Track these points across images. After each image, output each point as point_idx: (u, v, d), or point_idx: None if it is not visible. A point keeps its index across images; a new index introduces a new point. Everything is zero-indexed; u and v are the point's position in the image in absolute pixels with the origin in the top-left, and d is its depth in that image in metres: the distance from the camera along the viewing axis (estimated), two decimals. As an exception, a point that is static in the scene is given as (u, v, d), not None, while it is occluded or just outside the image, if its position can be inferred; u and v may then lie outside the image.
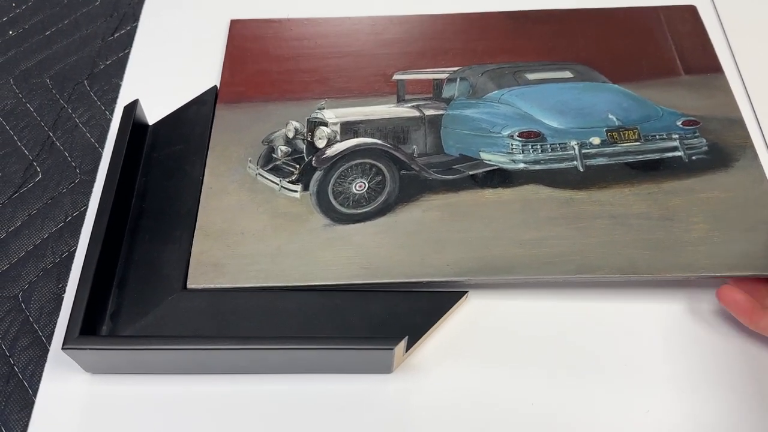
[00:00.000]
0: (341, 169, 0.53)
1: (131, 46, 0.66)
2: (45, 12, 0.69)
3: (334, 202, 0.52)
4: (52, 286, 0.51)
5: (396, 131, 0.56)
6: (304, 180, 0.53)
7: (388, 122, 0.56)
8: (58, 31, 0.67)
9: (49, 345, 0.48)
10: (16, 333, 0.49)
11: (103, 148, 0.59)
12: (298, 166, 0.54)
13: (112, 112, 0.61)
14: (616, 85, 0.58)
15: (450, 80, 0.59)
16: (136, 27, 0.68)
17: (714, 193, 0.50)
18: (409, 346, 0.45)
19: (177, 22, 0.68)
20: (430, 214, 0.51)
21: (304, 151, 0.55)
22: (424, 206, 0.51)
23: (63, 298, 0.50)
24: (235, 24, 0.64)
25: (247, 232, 0.51)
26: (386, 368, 0.46)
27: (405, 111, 0.57)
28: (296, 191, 0.53)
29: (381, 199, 0.52)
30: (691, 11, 0.63)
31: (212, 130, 0.56)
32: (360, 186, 0.53)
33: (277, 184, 0.53)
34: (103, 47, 0.66)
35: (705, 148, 0.53)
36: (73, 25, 0.68)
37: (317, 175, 0.53)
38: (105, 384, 0.46)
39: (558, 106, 0.56)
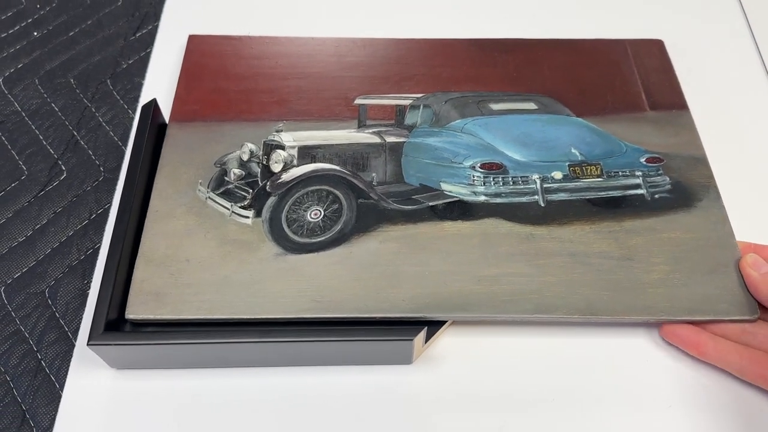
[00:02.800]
0: (297, 195, 0.51)
1: (153, 45, 0.66)
2: (68, 13, 0.69)
3: (287, 230, 0.50)
4: (77, 282, 0.52)
5: (355, 157, 0.54)
6: (256, 205, 0.51)
7: (347, 148, 0.54)
8: (82, 32, 0.68)
9: (75, 340, 0.49)
10: (43, 328, 0.50)
11: (126, 146, 0.59)
12: (251, 190, 0.52)
13: (134, 111, 0.62)
14: (580, 119, 0.57)
15: (413, 107, 0.57)
16: (157, 26, 0.68)
17: (676, 233, 0.49)
18: (428, 338, 0.45)
19: (197, 22, 0.67)
20: (387, 246, 0.49)
21: (259, 175, 0.53)
22: (381, 237, 0.49)
23: (88, 294, 0.51)
24: (192, 39, 0.62)
25: (193, 259, 0.48)
26: (406, 359, 0.46)
27: (366, 137, 0.55)
28: (248, 217, 0.50)
29: (337, 228, 0.50)
30: (659, 45, 0.63)
31: (162, 149, 0.54)
32: (315, 214, 0.51)
33: (228, 209, 0.51)
34: (125, 47, 0.67)
35: (668, 187, 0.52)
36: (95, 25, 0.69)
37: (271, 200, 0.51)
38: (129, 379, 0.46)
39: (521, 138, 0.55)
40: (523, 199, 0.51)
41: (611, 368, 0.46)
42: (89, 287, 0.51)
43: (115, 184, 0.57)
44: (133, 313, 0.45)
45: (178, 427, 0.44)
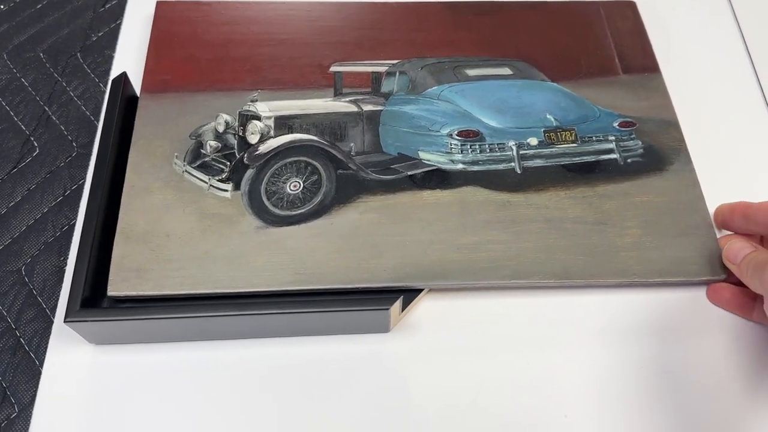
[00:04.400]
0: (275, 167, 0.51)
1: (122, 17, 0.64)
2: (34, -15, 0.67)
3: (267, 202, 0.50)
4: (53, 259, 0.52)
5: (333, 127, 0.54)
6: (234, 178, 0.50)
7: (324, 117, 0.54)
8: (50, 5, 0.66)
9: (54, 317, 0.49)
10: (21, 306, 0.50)
11: (98, 121, 0.58)
12: (228, 163, 0.51)
13: (106, 84, 0.60)
14: (554, 84, 0.57)
15: (389, 74, 0.57)
16: (125, -3, 0.66)
17: (648, 197, 0.51)
18: (405, 306, 0.46)
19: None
20: (367, 217, 0.49)
21: (235, 147, 0.53)
22: (361, 208, 0.50)
23: (65, 270, 0.51)
24: (161, 6, 0.60)
25: (173, 234, 0.48)
26: (384, 328, 0.47)
27: (342, 106, 0.55)
28: (226, 190, 0.50)
29: (317, 200, 0.50)
30: (631, 7, 0.63)
31: (135, 123, 0.53)
32: (295, 186, 0.51)
33: (206, 183, 0.50)
34: (94, 19, 0.65)
35: (640, 151, 0.53)
36: (63, -3, 0.66)
37: (249, 173, 0.50)
38: (109, 354, 0.47)
39: (497, 104, 0.55)
40: (500, 167, 0.52)
41: (585, 328, 0.47)
42: (66, 264, 0.51)
43: (89, 160, 0.56)
44: (115, 290, 0.45)
45: (159, 400, 0.45)
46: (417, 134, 0.54)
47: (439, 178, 0.51)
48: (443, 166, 0.52)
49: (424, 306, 0.48)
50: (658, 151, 0.53)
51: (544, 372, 0.46)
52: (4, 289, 0.50)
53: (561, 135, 0.54)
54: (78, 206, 0.53)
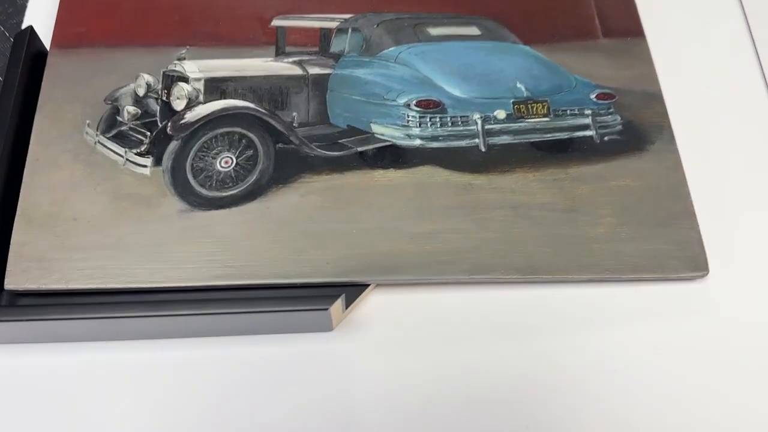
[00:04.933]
0: (204, 139, 0.44)
1: None
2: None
3: (192, 181, 0.43)
4: None
5: (273, 93, 0.47)
6: (156, 152, 0.44)
7: (264, 81, 0.47)
8: None
9: None
10: None
11: None
12: (149, 133, 0.44)
13: None
14: (527, 47, 0.51)
15: (340, 31, 0.50)
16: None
17: (625, 181, 0.45)
18: (349, 303, 0.41)
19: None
20: (309, 200, 0.43)
21: (158, 114, 0.46)
22: (302, 189, 0.43)
23: None
24: (74, -58, 0.51)
25: (81, 217, 0.41)
26: (326, 327, 0.41)
27: (285, 67, 0.48)
28: (145, 166, 0.43)
29: (251, 179, 0.44)
30: (614, -40, 0.56)
31: (42, 83, 0.45)
32: (226, 162, 0.44)
33: (122, 156, 0.43)
34: None
35: (619, 127, 0.48)
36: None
37: (173, 145, 0.44)
38: (5, 355, 0.40)
39: (462, 70, 0.49)
40: (463, 143, 0.46)
41: (551, 325, 0.43)
42: None
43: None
44: (13, 283, 0.39)
45: (66, 407, 0.39)
46: (370, 103, 0.47)
47: (393, 156, 0.45)
48: (398, 142, 0.46)
49: (372, 301, 0.43)
50: (639, 128, 0.48)
51: (503, 373, 0.41)
52: None
53: (532, 107, 0.47)
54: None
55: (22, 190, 0.42)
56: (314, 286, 0.41)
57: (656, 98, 0.49)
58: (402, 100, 0.47)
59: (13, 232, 0.40)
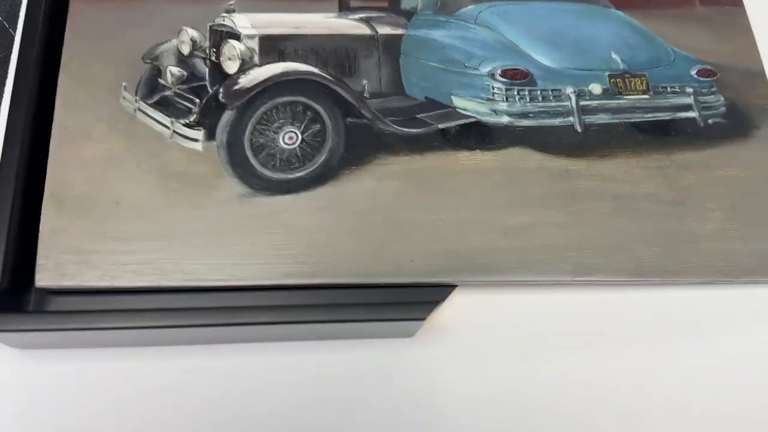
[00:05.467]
0: (262, 109, 0.38)
1: None
2: None
3: (253, 160, 0.37)
4: None
5: (339, 56, 0.40)
6: (207, 123, 0.37)
7: (327, 41, 0.40)
8: None
9: None
10: None
11: (15, 29, 0.41)
12: (198, 100, 0.38)
13: None
14: (619, 12, 0.45)
15: (411, -16, 0.43)
16: None
17: (732, 170, 0.41)
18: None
19: None
20: (387, 185, 0.37)
21: (207, 77, 0.39)
22: (378, 173, 0.38)
23: None
24: None
25: (124, 201, 0.35)
26: (407, 332, 0.36)
27: (351, 25, 0.41)
28: (197, 140, 0.37)
29: (320, 159, 0.38)
30: None
31: (66, 36, 0.38)
32: (290, 138, 0.38)
33: (168, 128, 0.37)
34: None
35: (722, 109, 0.43)
36: None
37: (228, 116, 0.37)
38: (38, 362, 0.35)
39: (550, 35, 0.43)
40: (556, 122, 0.40)
41: (658, 330, 0.38)
42: None
43: (2, 89, 0.40)
44: (46, 279, 0.33)
45: (112, 420, 0.34)
46: (449, 71, 0.41)
47: (478, 135, 0.40)
48: (484, 118, 0.40)
49: (455, 302, 0.38)
50: (743, 111, 0.43)
51: (604, 385, 0.37)
52: None
53: (629, 82, 0.42)
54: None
55: (49, 165, 0.35)
56: (395, 286, 0.36)
57: (760, 77, 0.44)
58: (485, 69, 0.41)
59: (42, 216, 0.34)
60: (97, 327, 0.31)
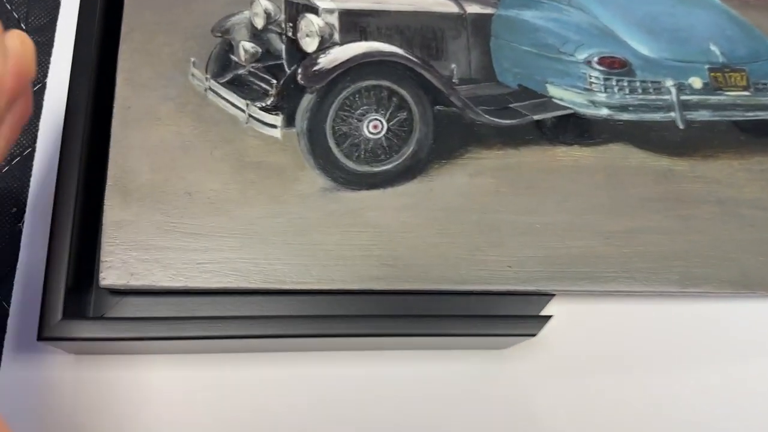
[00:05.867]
0: (344, 93, 0.34)
1: None
2: None
3: (336, 150, 0.34)
4: None
5: (426, 36, 0.37)
6: (286, 107, 0.33)
7: (413, 18, 0.37)
8: None
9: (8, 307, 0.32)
10: None
11: None
12: (274, 81, 0.34)
13: None
14: (717, 1, 0.42)
15: (499, -42, 0.39)
16: None
17: (838, 175, 0.38)
18: None
19: None
20: (480, 182, 0.34)
21: (283, 55, 0.35)
22: (470, 168, 0.34)
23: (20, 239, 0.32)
24: None
25: (198, 192, 0.31)
26: (500, 344, 0.33)
27: (437, 2, 0.37)
28: (275, 126, 0.33)
29: (407, 150, 0.34)
30: None
31: (125, 3, 0.34)
32: (375, 126, 0.34)
33: (244, 111, 0.33)
34: None
35: (826, 108, 0.40)
36: None
37: (307, 100, 0.33)
38: (94, 369, 0.31)
39: (647, 21, 0.39)
40: (656, 117, 0.37)
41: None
42: (21, 228, 0.33)
43: (48, 57, 0.36)
44: (112, 278, 0.29)
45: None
46: (543, 57, 0.38)
47: (576, 128, 0.36)
48: (581, 110, 0.37)
49: (548, 311, 0.35)
50: None
51: (709, 402, 0.34)
52: None
53: (729, 77, 0.39)
54: (36, 131, 0.34)
55: (111, 149, 0.31)
56: (489, 294, 0.33)
57: None
58: (581, 56, 0.37)
59: (105, 208, 0.30)
60: (176, 336, 0.28)
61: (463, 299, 0.33)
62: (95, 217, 0.31)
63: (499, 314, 0.32)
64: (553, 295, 0.33)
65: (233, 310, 0.31)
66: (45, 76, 0.35)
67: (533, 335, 0.30)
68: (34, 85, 0.35)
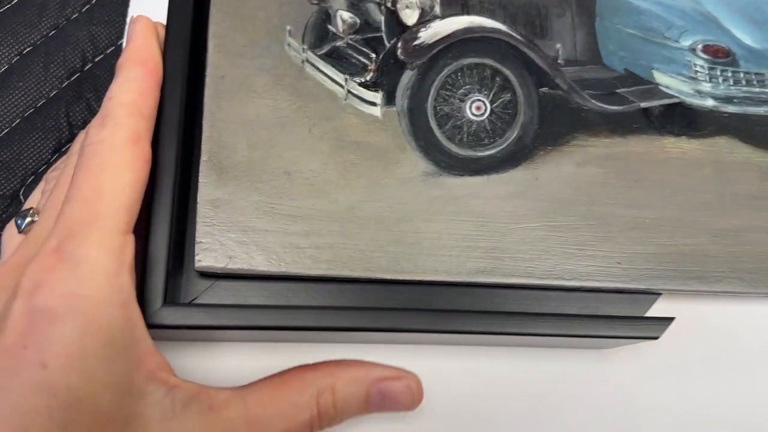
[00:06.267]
0: (446, 71, 0.32)
1: None
2: None
3: (438, 132, 0.31)
4: None
5: (530, 13, 0.34)
6: (386, 84, 0.31)
7: (516, -6, 0.34)
8: None
9: None
10: None
11: None
12: (373, 55, 0.32)
13: None
14: (822, -13, 0.40)
15: (601, -68, 0.37)
16: None
17: None
18: None
19: None
20: (587, 172, 0.32)
21: (383, 27, 0.33)
22: (577, 156, 0.32)
23: None
24: None
25: (296, 172, 0.29)
26: (601, 343, 0.32)
27: (539, -22, 0.35)
28: (375, 104, 0.31)
29: (512, 135, 0.32)
30: None
31: (218, -37, 0.31)
32: (478, 108, 0.32)
33: (342, 87, 0.31)
34: None
35: None
36: None
37: (408, 77, 0.31)
38: (177, 356, 0.29)
39: (750, 10, 0.37)
40: (760, 110, 0.36)
41: None
42: None
43: (126, 8, 0.33)
44: (209, 260, 0.27)
45: None
46: (648, 41, 0.35)
47: (683, 119, 0.35)
48: (687, 99, 0.35)
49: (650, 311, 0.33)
50: None
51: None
52: None
53: (835, 70, 0.37)
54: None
55: (205, 121, 0.29)
56: (595, 291, 0.31)
57: None
58: (686, 42, 0.36)
59: (200, 185, 0.28)
60: (281, 326, 0.26)
61: (560, 295, 0.31)
62: (184, 194, 0.29)
63: (606, 314, 0.30)
64: (660, 294, 0.32)
65: (328, 299, 0.29)
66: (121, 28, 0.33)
67: (656, 338, 0.29)
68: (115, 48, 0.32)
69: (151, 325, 0.25)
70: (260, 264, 0.28)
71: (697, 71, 0.35)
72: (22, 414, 0.21)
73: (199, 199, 0.28)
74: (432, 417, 0.30)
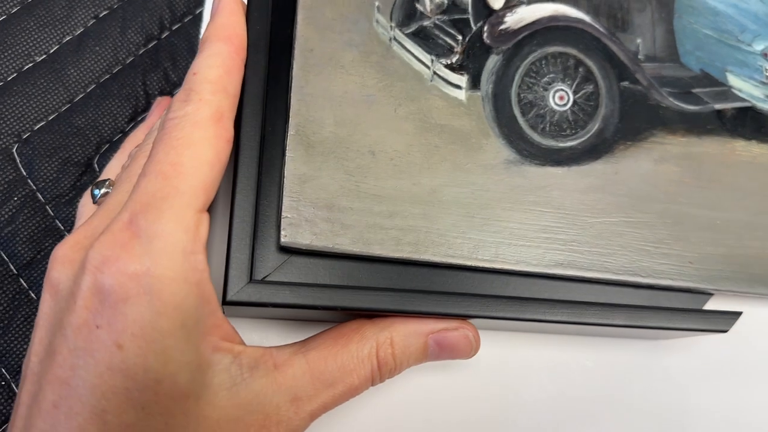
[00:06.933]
0: (531, 58, 0.31)
1: None
2: None
3: (521, 119, 0.31)
4: None
5: (611, 5, 0.34)
6: (472, 67, 0.31)
7: (599, -15, 0.34)
8: None
9: None
10: None
11: None
12: (460, 37, 0.31)
13: None
14: None
15: (681, -71, 0.37)
16: None
17: None
18: None
19: None
20: (664, 170, 0.32)
21: (469, 10, 0.32)
22: (655, 153, 0.32)
23: None
24: None
25: (381, 152, 0.29)
26: (656, 334, 0.32)
27: (621, -29, 0.35)
28: (460, 87, 0.31)
29: (593, 127, 0.32)
30: None
31: (310, -70, 0.30)
32: (561, 97, 0.32)
33: (428, 68, 0.30)
34: None
35: None
36: None
37: (493, 61, 0.31)
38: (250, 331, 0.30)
39: (822, 16, 0.38)
40: (828, 120, 0.36)
41: None
42: None
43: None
44: (292, 236, 0.27)
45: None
46: (722, 43, 0.35)
47: (754, 123, 0.35)
48: (758, 104, 0.35)
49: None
50: None
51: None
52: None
53: None
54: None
55: (293, 93, 0.28)
56: (663, 288, 0.31)
57: None
58: (759, 47, 0.36)
59: (287, 159, 0.28)
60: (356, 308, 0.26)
61: (624, 290, 0.31)
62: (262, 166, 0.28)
63: (671, 307, 0.30)
64: (712, 294, 0.32)
65: (397, 282, 0.28)
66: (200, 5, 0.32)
67: (725, 331, 0.29)
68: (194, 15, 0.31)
69: (235, 303, 0.24)
70: (344, 243, 0.27)
71: (767, 76, 0.35)
72: (99, 396, 0.21)
73: (286, 173, 0.27)
74: (489, 398, 0.30)
